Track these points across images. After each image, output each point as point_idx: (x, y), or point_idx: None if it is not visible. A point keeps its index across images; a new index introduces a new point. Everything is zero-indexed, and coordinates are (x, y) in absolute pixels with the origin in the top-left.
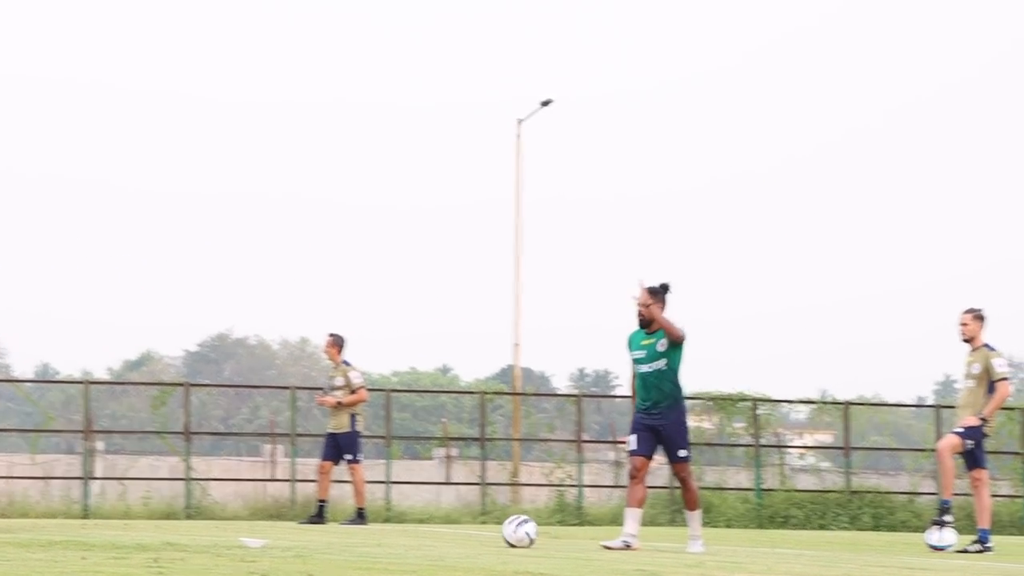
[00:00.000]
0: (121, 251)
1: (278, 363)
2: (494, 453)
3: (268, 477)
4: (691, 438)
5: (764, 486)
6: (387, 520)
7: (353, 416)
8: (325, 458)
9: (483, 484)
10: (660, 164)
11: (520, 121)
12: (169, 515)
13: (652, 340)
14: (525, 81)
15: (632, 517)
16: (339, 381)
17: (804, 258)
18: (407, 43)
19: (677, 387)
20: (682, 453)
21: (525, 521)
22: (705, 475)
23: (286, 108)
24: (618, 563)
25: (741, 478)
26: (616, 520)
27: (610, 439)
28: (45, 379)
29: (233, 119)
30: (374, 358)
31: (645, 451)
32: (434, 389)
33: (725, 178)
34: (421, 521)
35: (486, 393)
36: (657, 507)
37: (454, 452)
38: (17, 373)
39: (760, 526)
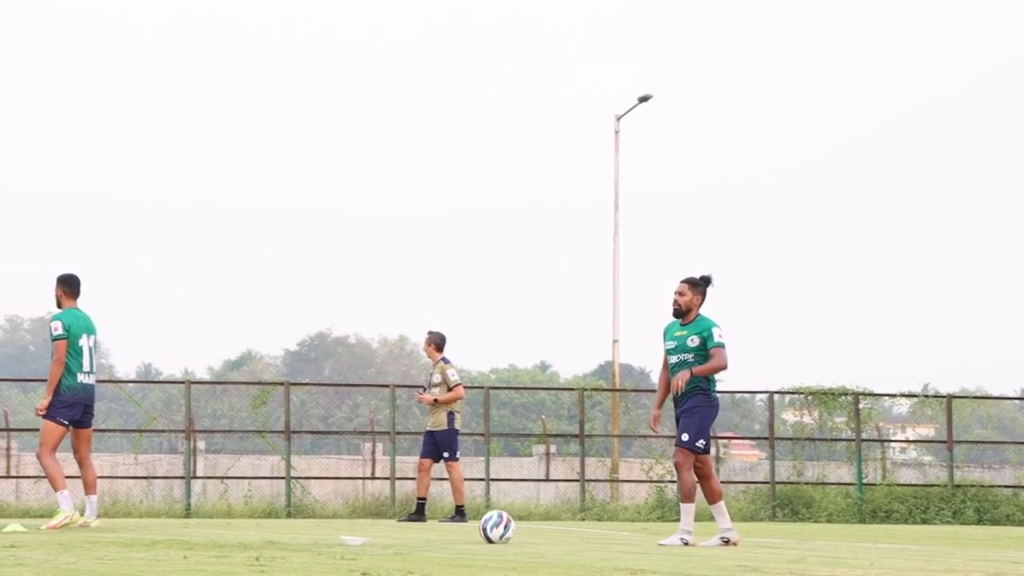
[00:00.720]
0: (221, 252)
1: (377, 361)
2: (593, 449)
3: (368, 475)
4: (791, 432)
5: (866, 480)
6: None
7: (451, 414)
8: (424, 456)
9: (582, 480)
10: (755, 152)
11: (618, 117)
12: (270, 514)
13: (685, 333)
14: (623, 77)
15: (717, 512)
16: (436, 378)
17: (905, 239)
18: (505, 41)
19: (705, 380)
20: (684, 438)
21: (505, 525)
22: (806, 470)
23: (386, 115)
24: (718, 559)
25: (842, 473)
26: None
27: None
28: (147, 379)
29: (333, 129)
30: (473, 355)
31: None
32: (533, 386)
33: (820, 162)
34: (521, 518)
35: (585, 389)
36: (757, 503)
37: (553, 449)
38: (120, 374)
39: (862, 521)
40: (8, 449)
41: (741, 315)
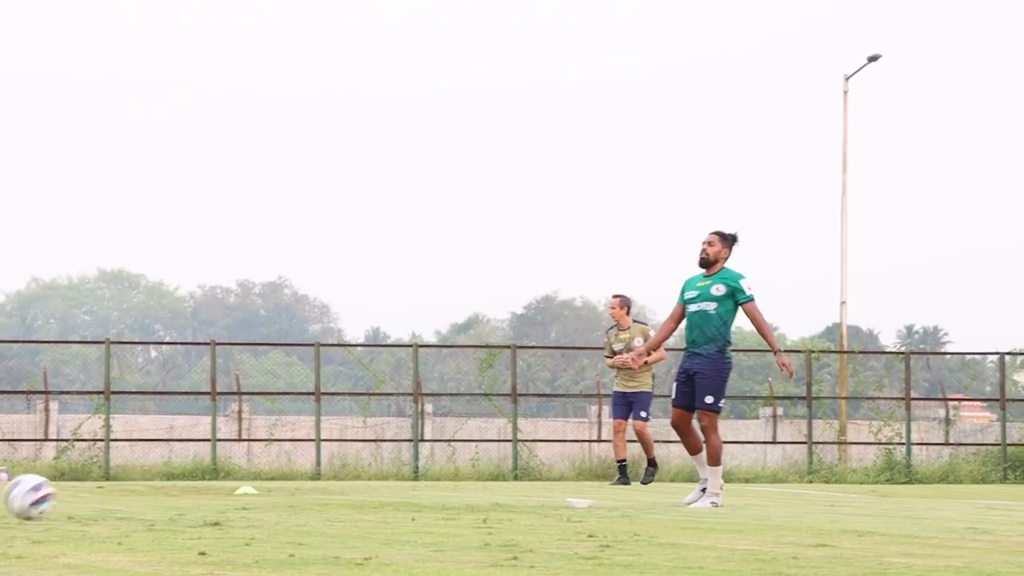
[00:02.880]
0: (449, 218)
1: (603, 324)
2: (821, 411)
3: (594, 438)
4: (1023, 394)
5: None
6: None
7: (653, 375)
8: (621, 417)
9: (810, 443)
10: (981, 113)
11: (847, 77)
12: (497, 476)
13: (708, 283)
14: (852, 37)
15: (698, 462)
16: (638, 342)
17: None
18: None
19: (722, 334)
20: (708, 400)
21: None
22: None
23: (608, 78)
24: (949, 521)
25: None
26: (945, 479)
27: (939, 396)
28: (376, 343)
29: (553, 95)
30: None
31: (683, 402)
32: (760, 348)
33: None
34: (747, 480)
35: (812, 351)
36: (988, 464)
37: (780, 411)
38: (349, 338)
39: None
40: (240, 412)
41: (971, 274)
